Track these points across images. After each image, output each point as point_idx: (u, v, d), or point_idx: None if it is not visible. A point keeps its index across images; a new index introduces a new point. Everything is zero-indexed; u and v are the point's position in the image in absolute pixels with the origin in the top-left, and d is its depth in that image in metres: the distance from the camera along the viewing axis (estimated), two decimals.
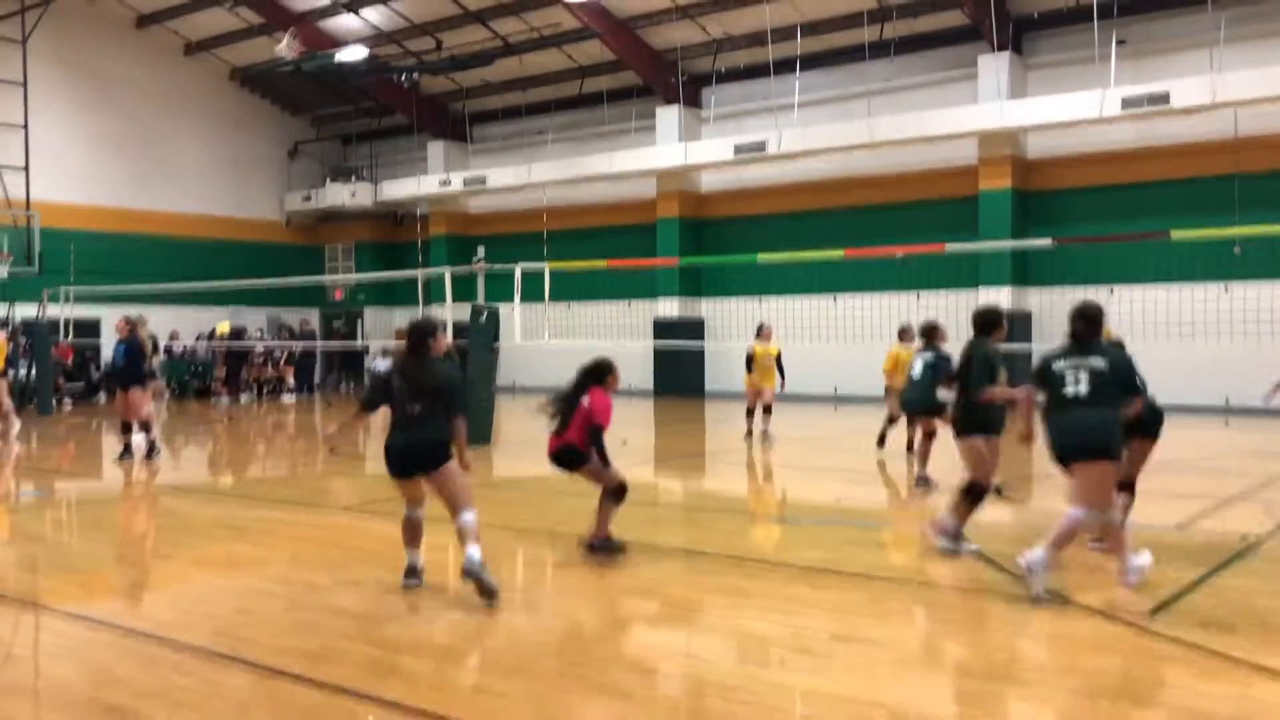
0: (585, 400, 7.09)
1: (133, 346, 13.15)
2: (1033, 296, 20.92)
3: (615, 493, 7.16)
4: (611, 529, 7.20)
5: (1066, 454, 6.06)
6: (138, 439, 13.01)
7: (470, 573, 5.92)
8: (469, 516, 6.19)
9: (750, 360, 15.28)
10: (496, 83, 27.24)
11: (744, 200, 24.95)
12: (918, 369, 10.10)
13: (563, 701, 4.50)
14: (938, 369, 9.68)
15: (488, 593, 5.92)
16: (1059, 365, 6.18)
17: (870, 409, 21.16)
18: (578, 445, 7.07)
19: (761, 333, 15.48)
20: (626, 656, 5.12)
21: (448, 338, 7.34)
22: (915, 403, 10.40)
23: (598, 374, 7.18)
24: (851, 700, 4.49)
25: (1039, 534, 6.20)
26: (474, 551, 5.97)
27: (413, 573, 6.39)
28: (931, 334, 10.17)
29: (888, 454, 12.94)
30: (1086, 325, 6.22)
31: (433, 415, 6.22)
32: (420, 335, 6.39)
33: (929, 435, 10.61)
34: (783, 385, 15.39)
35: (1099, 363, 6.08)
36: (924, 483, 10.38)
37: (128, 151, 27.42)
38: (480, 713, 4.40)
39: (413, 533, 6.42)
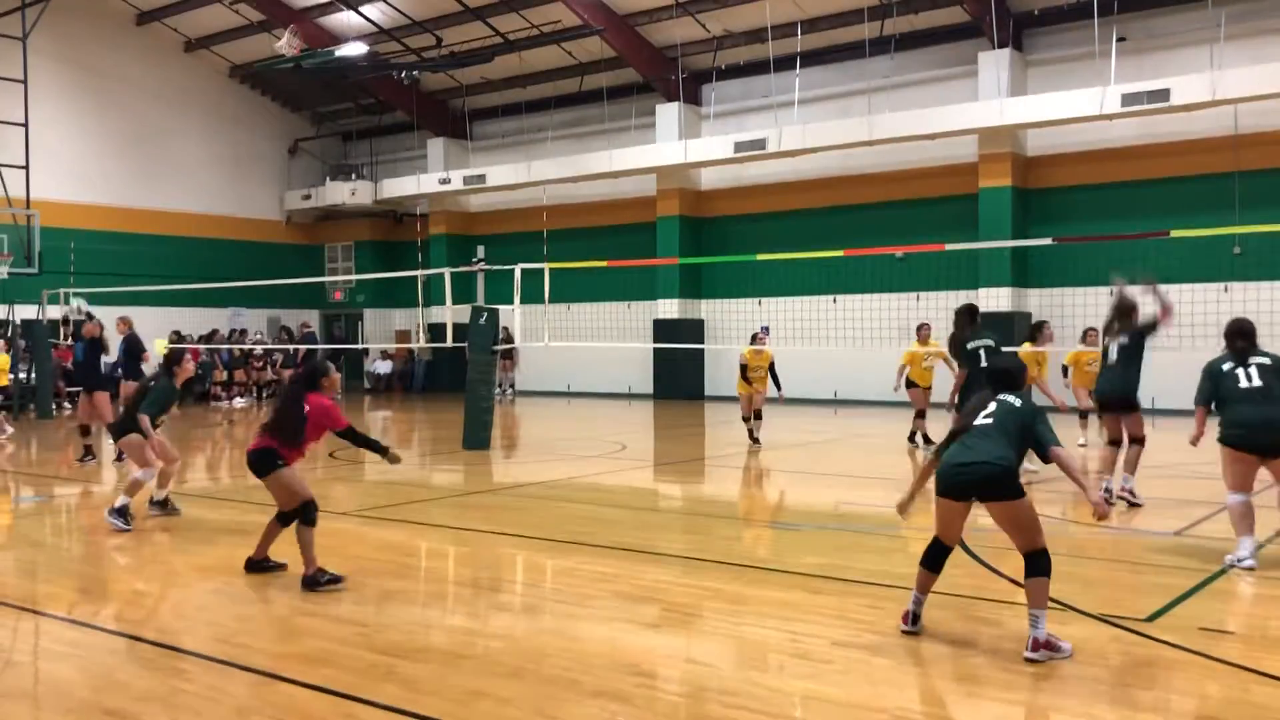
0: (307, 408, 6.79)
1: (97, 350, 13.27)
2: (1032, 297, 20.93)
3: (306, 512, 6.62)
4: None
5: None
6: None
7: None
8: (134, 473, 8.91)
9: (745, 369, 14.77)
10: (496, 80, 27.24)
11: (744, 197, 24.96)
12: (1113, 353, 9.12)
13: (562, 705, 4.51)
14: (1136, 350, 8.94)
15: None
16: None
17: (871, 412, 21.21)
18: (277, 449, 6.71)
19: (756, 339, 15.04)
20: (625, 661, 5.12)
21: (190, 365, 9.47)
22: (1110, 393, 9.19)
23: (311, 379, 6.95)
24: (850, 705, 4.50)
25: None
26: (120, 500, 8.52)
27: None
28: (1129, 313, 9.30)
29: (890, 453, 12.91)
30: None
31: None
32: (166, 361, 9.22)
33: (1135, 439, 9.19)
34: (780, 393, 14.96)
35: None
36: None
37: (127, 149, 27.43)
38: (479, 716, 4.41)
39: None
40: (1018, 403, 5.42)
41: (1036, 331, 12.75)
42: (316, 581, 6.50)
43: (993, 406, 5.41)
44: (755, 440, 14.71)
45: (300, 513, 6.64)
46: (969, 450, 5.26)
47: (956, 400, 11.08)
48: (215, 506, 10.06)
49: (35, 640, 5.79)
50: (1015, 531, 5.21)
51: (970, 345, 10.76)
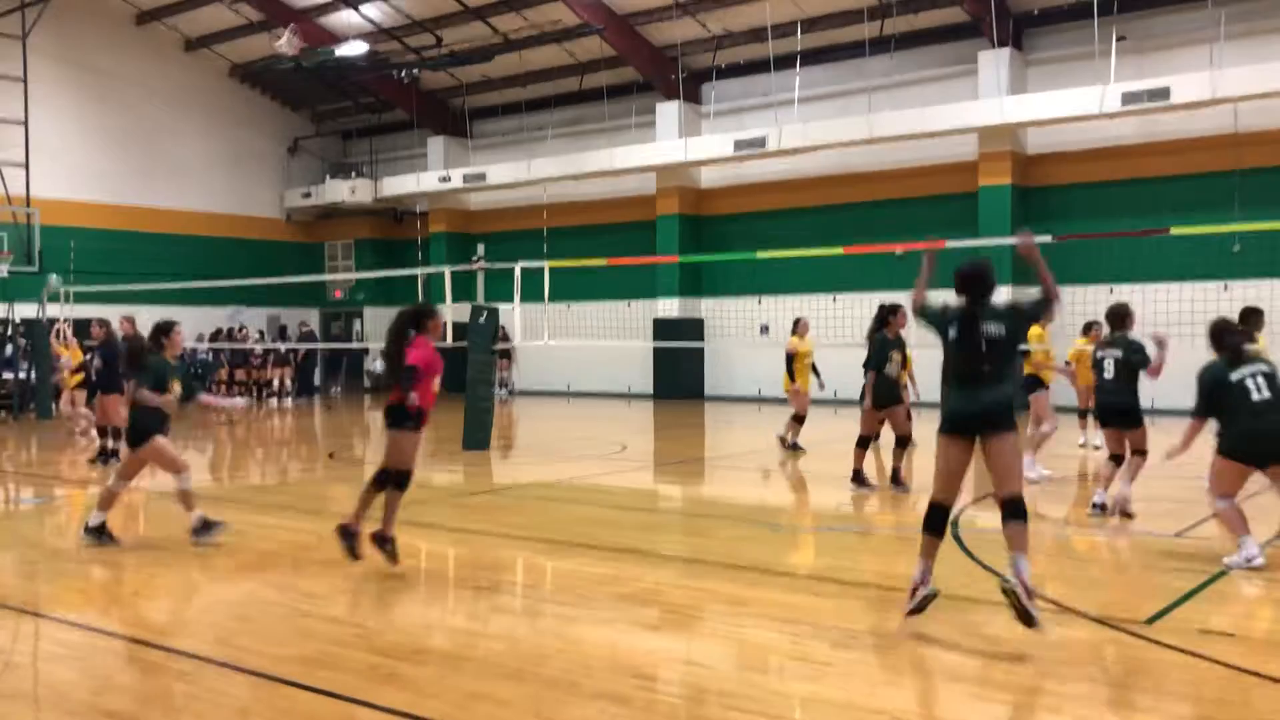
0: (410, 350, 6.89)
1: (111, 351, 13.10)
2: (1033, 295, 20.92)
3: (401, 478, 6.98)
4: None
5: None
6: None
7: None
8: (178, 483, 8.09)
9: (792, 360, 13.44)
10: (496, 78, 27.22)
11: (744, 196, 24.95)
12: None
13: (562, 708, 4.52)
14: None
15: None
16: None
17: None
18: (408, 409, 6.87)
19: (799, 327, 13.70)
20: (626, 663, 5.12)
21: (180, 338, 8.46)
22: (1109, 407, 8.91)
23: (416, 319, 6.99)
24: (850, 707, 4.50)
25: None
26: (193, 518, 7.92)
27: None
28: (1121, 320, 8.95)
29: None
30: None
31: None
32: (155, 333, 8.24)
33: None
34: (821, 386, 14.01)
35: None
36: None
37: (127, 148, 27.42)
38: (480, 718, 4.42)
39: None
40: (1001, 331, 5.61)
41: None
42: (385, 540, 6.98)
43: (984, 348, 5.56)
44: (797, 447, 13.45)
45: (397, 476, 7.00)
46: (973, 400, 5.54)
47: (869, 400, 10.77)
48: (214, 507, 10.05)
49: (35, 642, 5.79)
50: (1003, 469, 5.44)
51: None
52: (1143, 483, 9.54)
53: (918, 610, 5.53)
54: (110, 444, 12.72)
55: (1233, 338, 7.16)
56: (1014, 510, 5.38)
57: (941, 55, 22.18)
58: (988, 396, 5.50)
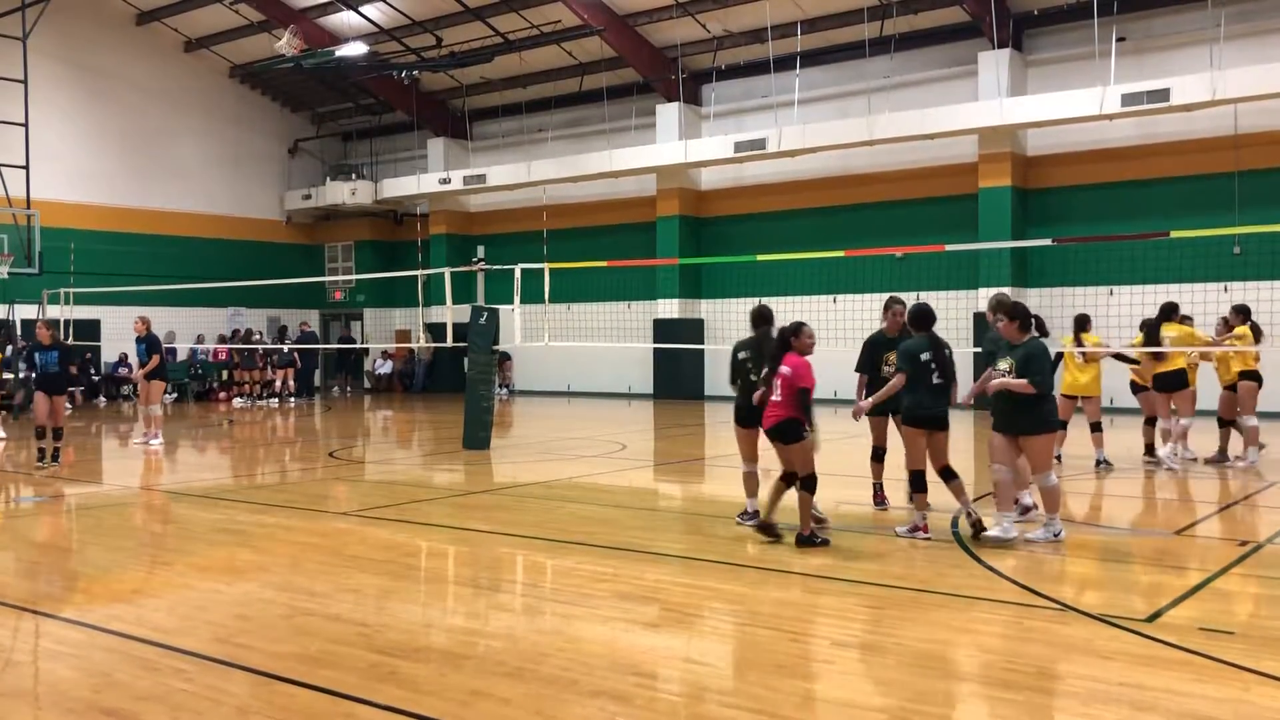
0: (784, 368, 7.53)
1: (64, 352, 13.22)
2: (1032, 296, 20.93)
3: (810, 481, 7.57)
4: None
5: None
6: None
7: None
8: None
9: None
10: (496, 79, 27.25)
11: (744, 197, 24.97)
12: None
13: (562, 706, 4.51)
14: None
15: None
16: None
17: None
18: (796, 417, 7.54)
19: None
20: (625, 661, 5.12)
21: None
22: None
23: (783, 338, 7.66)
24: (850, 706, 4.50)
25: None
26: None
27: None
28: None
29: None
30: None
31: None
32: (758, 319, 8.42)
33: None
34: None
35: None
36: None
37: (127, 149, 27.46)
38: (479, 717, 4.41)
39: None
40: (947, 351, 7.85)
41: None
42: (811, 541, 7.54)
43: (936, 370, 7.76)
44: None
45: (806, 481, 7.56)
46: (935, 401, 7.82)
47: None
48: (215, 506, 10.06)
49: (35, 640, 5.79)
50: (941, 452, 7.85)
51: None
52: (1139, 483, 9.56)
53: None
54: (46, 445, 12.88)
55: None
56: (950, 475, 7.84)
57: (941, 56, 22.20)
58: (942, 403, 7.80)
